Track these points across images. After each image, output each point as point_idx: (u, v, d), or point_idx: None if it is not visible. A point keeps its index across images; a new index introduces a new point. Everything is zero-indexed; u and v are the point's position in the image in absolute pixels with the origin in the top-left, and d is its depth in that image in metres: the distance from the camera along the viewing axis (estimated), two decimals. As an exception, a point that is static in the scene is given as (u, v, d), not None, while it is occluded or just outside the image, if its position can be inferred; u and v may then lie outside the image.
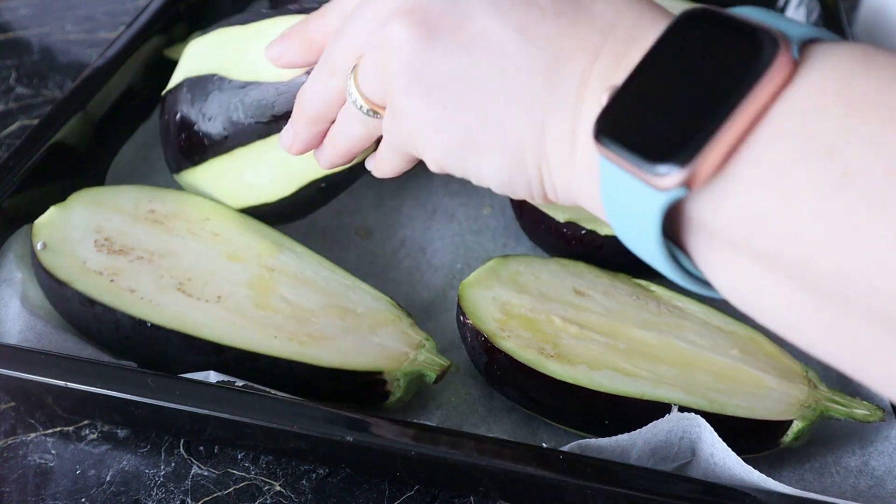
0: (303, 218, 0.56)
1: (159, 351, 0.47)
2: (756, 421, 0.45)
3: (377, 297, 0.51)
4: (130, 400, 0.44)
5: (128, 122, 0.65)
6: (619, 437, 0.43)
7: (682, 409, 0.44)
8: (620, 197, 0.29)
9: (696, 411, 0.44)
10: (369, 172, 0.46)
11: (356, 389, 0.47)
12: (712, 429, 0.43)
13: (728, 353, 0.48)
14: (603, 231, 0.53)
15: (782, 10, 0.79)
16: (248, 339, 0.47)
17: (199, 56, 0.54)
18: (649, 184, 0.27)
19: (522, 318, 0.49)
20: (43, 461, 0.47)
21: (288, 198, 0.53)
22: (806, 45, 0.27)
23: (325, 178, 0.51)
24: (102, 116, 0.62)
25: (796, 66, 0.26)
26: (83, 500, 0.45)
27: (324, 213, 0.62)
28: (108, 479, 0.46)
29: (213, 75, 0.52)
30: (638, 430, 0.43)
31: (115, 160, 0.63)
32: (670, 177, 0.27)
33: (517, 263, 0.52)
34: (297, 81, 0.48)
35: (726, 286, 0.29)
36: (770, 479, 0.41)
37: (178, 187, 0.63)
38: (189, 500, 0.45)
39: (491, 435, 0.47)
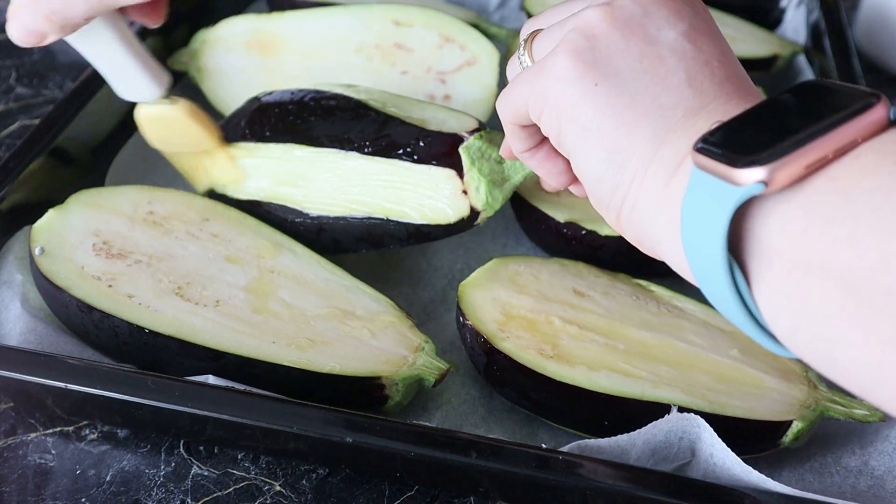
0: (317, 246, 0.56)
1: (158, 356, 0.47)
2: (756, 421, 0.45)
3: (377, 298, 0.51)
4: (130, 401, 0.44)
5: (128, 123, 0.65)
6: (619, 437, 0.43)
7: (681, 409, 0.44)
8: (699, 202, 0.32)
9: (696, 412, 0.44)
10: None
11: (355, 394, 0.47)
12: (712, 429, 0.43)
13: (728, 354, 0.48)
14: (603, 231, 0.53)
15: (783, 10, 0.79)
16: (246, 345, 0.47)
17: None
18: (731, 180, 0.30)
19: (522, 319, 0.49)
20: (43, 461, 0.47)
21: (327, 218, 0.53)
22: None
23: (369, 220, 0.52)
24: (102, 117, 0.62)
25: (891, 124, 0.29)
26: (83, 500, 0.45)
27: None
28: (108, 478, 0.46)
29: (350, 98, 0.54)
30: (637, 430, 0.43)
31: (115, 160, 0.63)
32: (752, 171, 0.29)
33: (517, 264, 0.52)
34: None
35: (775, 305, 0.31)
36: (770, 480, 0.41)
37: (178, 187, 0.63)
38: (189, 500, 0.45)
39: (491, 435, 0.47)
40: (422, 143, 0.51)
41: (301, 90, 0.56)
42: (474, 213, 0.51)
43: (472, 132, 0.51)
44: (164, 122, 0.54)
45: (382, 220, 0.52)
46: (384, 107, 0.53)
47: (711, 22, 0.38)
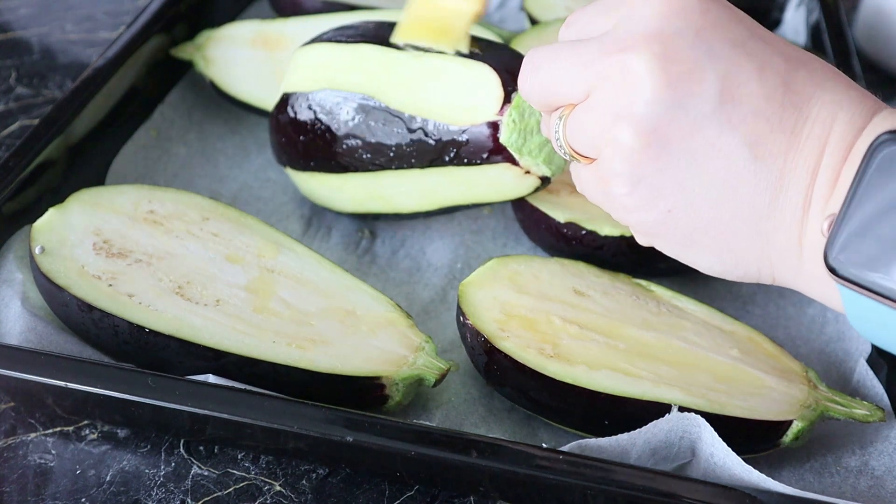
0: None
1: (158, 356, 0.47)
2: (756, 421, 0.45)
3: (377, 297, 0.51)
4: (130, 400, 0.44)
5: (128, 122, 0.65)
6: (619, 437, 0.43)
7: (681, 409, 0.44)
8: (868, 314, 0.31)
9: (696, 411, 0.44)
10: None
11: (355, 394, 0.47)
12: (712, 429, 0.43)
13: (728, 353, 0.48)
14: (603, 231, 0.53)
15: (782, 10, 0.79)
16: (247, 345, 0.47)
17: (336, 66, 0.55)
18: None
19: (522, 319, 0.49)
20: (43, 461, 0.47)
21: (422, 213, 0.56)
22: None
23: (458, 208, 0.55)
24: (102, 117, 0.62)
25: None
26: (83, 500, 0.45)
27: (325, 212, 0.62)
28: (108, 479, 0.46)
29: (363, 96, 0.54)
30: (638, 430, 0.43)
31: (115, 160, 0.63)
32: None
33: (517, 263, 0.52)
34: (472, 129, 0.51)
35: None
36: (770, 479, 0.41)
37: (178, 186, 0.63)
38: (189, 500, 0.45)
39: (491, 435, 0.47)
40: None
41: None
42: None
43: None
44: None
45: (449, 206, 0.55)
46: None
47: (736, 30, 0.35)
